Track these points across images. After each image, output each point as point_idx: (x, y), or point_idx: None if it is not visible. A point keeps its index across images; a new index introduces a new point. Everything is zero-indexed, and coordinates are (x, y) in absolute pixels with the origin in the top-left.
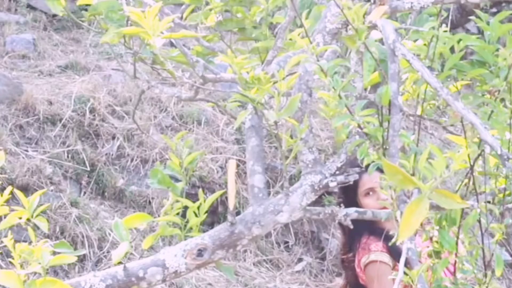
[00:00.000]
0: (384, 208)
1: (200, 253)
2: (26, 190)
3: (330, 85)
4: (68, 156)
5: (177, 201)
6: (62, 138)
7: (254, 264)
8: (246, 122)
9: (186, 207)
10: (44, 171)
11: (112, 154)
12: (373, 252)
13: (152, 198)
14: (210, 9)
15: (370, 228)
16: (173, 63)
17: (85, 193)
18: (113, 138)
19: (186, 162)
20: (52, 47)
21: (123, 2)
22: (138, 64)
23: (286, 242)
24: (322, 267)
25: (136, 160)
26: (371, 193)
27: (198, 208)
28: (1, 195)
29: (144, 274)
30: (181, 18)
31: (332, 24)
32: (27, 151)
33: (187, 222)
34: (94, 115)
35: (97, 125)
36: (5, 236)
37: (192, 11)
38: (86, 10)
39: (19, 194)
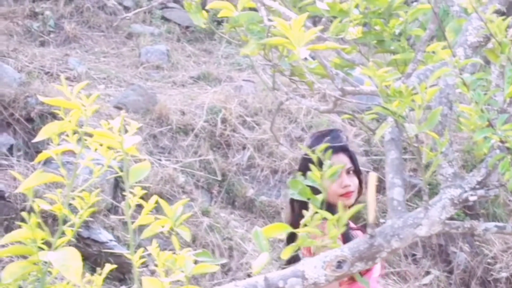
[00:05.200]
0: (346, 195)
1: (339, 265)
2: (159, 198)
3: (473, 98)
4: (200, 166)
5: (316, 212)
6: (194, 148)
7: (381, 276)
8: (386, 135)
9: (325, 219)
10: (177, 180)
11: (243, 164)
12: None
13: (282, 209)
14: (350, 21)
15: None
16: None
17: (215, 202)
18: (244, 148)
19: (327, 175)
20: (185, 58)
21: (263, 14)
22: (269, 75)
23: (414, 255)
24: (449, 280)
25: (266, 170)
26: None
27: (337, 220)
28: (147, 203)
29: (284, 285)
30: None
31: (473, 38)
32: (160, 160)
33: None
34: (225, 125)
35: (228, 135)
36: (138, 246)
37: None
38: (218, 22)
39: (162, 203)
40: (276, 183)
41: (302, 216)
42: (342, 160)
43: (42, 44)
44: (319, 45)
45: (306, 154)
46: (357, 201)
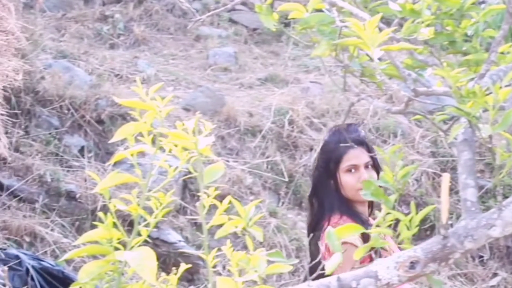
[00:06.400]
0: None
1: (412, 265)
2: (228, 199)
3: None
4: (267, 167)
5: (389, 213)
6: (261, 149)
7: (448, 277)
8: (459, 136)
9: (397, 220)
10: (245, 181)
11: (310, 166)
12: None
13: None
14: (422, 22)
15: (341, 208)
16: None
17: (283, 203)
18: (311, 149)
19: (399, 175)
20: (252, 60)
21: (335, 15)
22: (336, 77)
23: (481, 257)
24: None
25: None
26: (353, 170)
27: (410, 221)
28: (221, 204)
29: (356, 285)
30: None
31: None
32: (228, 161)
33: (398, 234)
34: (292, 127)
35: (295, 136)
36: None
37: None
38: (285, 24)
39: (236, 204)
40: None
41: (319, 212)
42: (360, 154)
43: (112, 46)
44: (393, 46)
45: (323, 149)
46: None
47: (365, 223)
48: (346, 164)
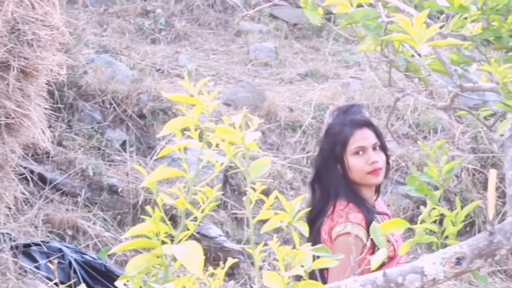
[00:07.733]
0: (374, 172)
1: (458, 261)
2: (267, 194)
3: None
4: (307, 162)
5: (434, 209)
6: (302, 144)
7: (488, 274)
8: (506, 132)
9: (442, 215)
10: (285, 176)
11: None
12: (351, 223)
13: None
14: (465, 18)
15: (348, 193)
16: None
17: None
18: None
19: (444, 171)
20: (293, 55)
21: (381, 10)
22: (377, 72)
23: None
24: None
25: None
26: (361, 152)
27: (455, 216)
28: (267, 198)
29: (403, 281)
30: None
31: None
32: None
33: (443, 230)
34: None
35: None
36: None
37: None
38: (326, 19)
39: (281, 198)
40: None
41: (323, 198)
42: (368, 135)
43: (153, 41)
44: (441, 42)
45: (327, 132)
46: (384, 180)
47: (370, 211)
48: (353, 147)
